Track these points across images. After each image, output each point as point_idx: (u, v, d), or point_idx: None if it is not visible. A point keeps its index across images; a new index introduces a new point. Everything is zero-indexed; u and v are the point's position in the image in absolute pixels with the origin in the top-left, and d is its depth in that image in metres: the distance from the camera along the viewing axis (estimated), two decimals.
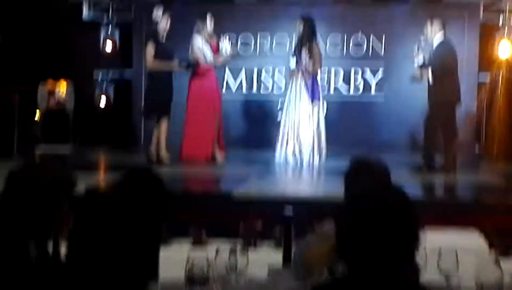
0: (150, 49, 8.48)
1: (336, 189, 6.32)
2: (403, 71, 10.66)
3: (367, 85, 11.10)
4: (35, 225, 1.99)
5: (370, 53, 11.10)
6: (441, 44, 7.42)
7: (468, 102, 10.57)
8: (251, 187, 6.98)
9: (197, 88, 8.57)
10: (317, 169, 8.47)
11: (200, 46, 8.26)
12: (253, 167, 8.45)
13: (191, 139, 8.57)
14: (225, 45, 8.31)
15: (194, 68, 8.52)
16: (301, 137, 8.30)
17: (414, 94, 10.51)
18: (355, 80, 11.16)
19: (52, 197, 2.03)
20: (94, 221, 1.68)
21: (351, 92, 11.17)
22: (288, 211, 3.69)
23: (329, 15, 10.78)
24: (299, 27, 8.37)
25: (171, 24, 8.65)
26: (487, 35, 10.77)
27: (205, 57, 8.33)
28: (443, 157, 7.70)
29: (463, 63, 10.59)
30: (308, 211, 5.09)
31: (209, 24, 8.31)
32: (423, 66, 7.61)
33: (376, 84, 11.08)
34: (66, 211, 2.02)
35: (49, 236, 2.09)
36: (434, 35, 7.41)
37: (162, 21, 8.60)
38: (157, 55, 8.50)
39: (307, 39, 8.24)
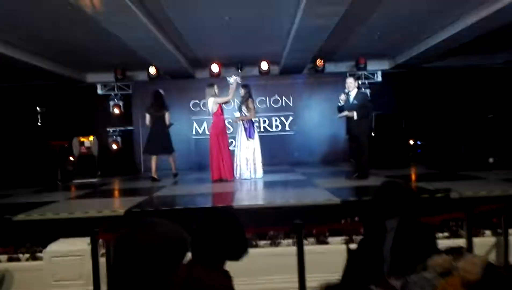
0: (147, 116, 8.30)
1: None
2: (305, 116, 11.12)
3: (283, 125, 11.28)
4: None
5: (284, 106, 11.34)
6: (359, 93, 6.96)
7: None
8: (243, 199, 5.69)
9: (214, 130, 7.70)
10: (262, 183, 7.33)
11: (214, 102, 7.62)
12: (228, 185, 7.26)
13: (214, 165, 7.62)
14: (232, 78, 7.80)
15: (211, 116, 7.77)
16: (241, 163, 7.77)
17: (314, 130, 11.01)
18: (276, 122, 11.35)
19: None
20: None
21: (273, 129, 11.32)
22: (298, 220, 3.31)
23: (256, 84, 10.72)
24: (241, 91, 8.00)
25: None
26: None
27: (217, 109, 7.68)
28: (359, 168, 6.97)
29: None
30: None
31: (216, 89, 7.72)
32: (343, 109, 6.92)
33: (289, 124, 11.25)
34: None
35: None
36: (353, 87, 6.89)
37: (151, 97, 8.47)
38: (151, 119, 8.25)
39: (246, 98, 7.88)
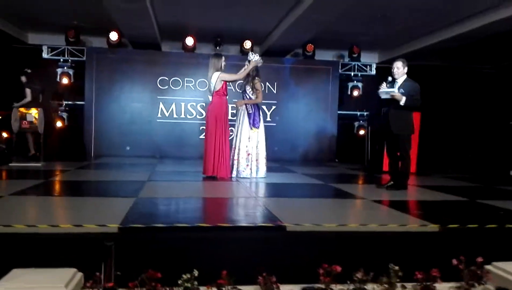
0: (28, 91, 8.02)
1: None
2: (289, 106, 9.85)
3: (264, 115, 9.83)
4: None
5: (266, 93, 9.77)
6: (407, 81, 5.37)
7: (333, 129, 9.98)
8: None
9: (213, 112, 5.94)
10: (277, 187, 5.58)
11: (219, 79, 5.87)
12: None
13: (208, 157, 5.94)
14: (254, 56, 6.12)
15: (212, 95, 5.98)
16: (241, 158, 6.11)
17: (298, 123, 9.82)
18: None
19: None
20: None
21: None
22: None
23: (235, 65, 8.50)
24: (247, 67, 6.15)
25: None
26: (343, 82, 10.22)
27: (221, 87, 5.91)
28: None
29: (328, 101, 9.97)
30: None
31: (223, 62, 5.98)
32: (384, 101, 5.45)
33: (270, 114, 9.88)
34: None
35: None
36: (401, 74, 5.36)
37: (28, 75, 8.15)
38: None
39: (253, 77, 6.17)
